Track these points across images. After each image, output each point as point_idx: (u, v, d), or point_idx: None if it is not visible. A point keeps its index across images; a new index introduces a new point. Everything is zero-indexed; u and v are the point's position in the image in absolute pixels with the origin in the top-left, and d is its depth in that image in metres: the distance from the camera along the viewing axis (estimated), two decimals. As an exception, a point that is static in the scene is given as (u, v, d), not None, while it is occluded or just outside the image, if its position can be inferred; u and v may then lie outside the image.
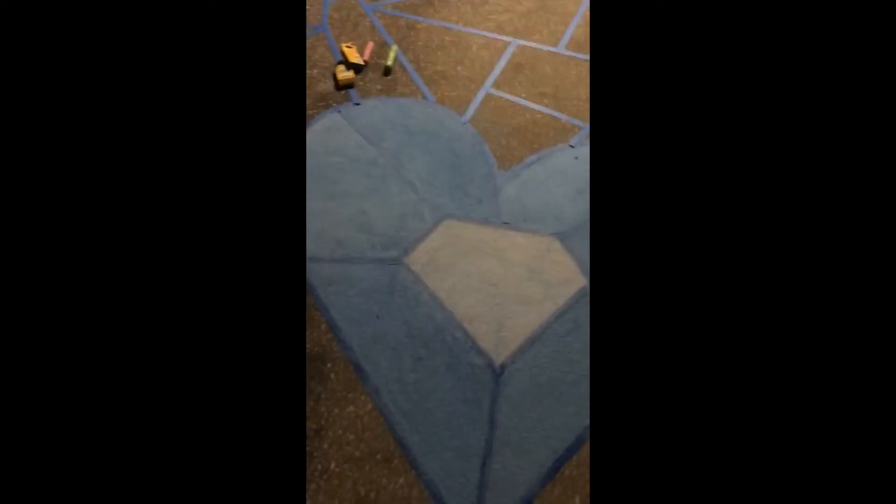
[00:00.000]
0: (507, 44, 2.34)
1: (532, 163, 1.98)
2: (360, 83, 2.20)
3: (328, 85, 2.19)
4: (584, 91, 2.20)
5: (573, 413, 1.45)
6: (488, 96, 2.17)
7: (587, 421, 1.44)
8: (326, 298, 1.66)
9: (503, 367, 1.54)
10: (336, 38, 2.34)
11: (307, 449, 1.41)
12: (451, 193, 1.90)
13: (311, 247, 1.77)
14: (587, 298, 1.66)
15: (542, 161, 1.99)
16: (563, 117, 2.11)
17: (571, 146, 2.03)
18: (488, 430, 1.43)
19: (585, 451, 1.40)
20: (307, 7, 2.44)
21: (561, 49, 2.33)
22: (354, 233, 1.80)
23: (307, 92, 2.16)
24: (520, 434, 1.43)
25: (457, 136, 2.05)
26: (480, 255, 1.75)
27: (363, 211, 1.85)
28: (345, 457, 1.40)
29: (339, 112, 2.11)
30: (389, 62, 2.23)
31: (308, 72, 2.23)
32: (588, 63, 2.28)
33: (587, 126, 2.09)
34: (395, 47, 2.28)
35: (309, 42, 2.33)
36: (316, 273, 1.72)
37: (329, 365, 1.54)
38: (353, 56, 2.22)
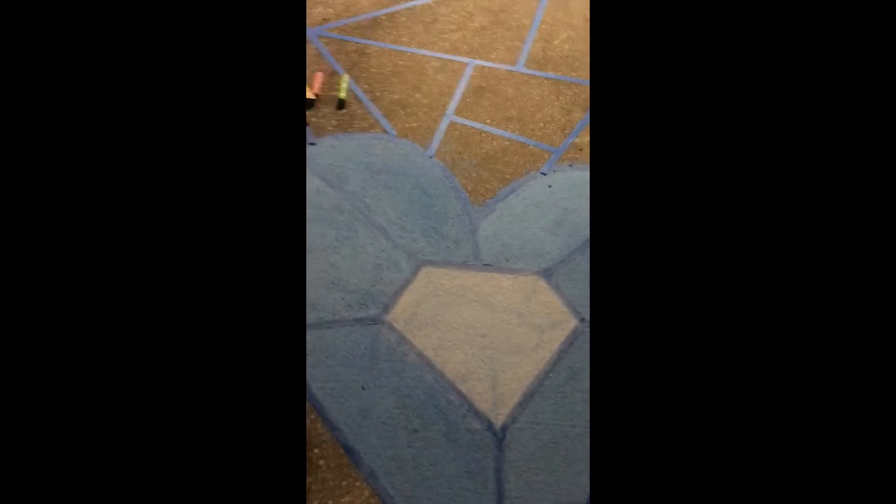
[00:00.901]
0: (464, 65, 2.23)
1: (506, 195, 1.90)
2: (313, 119, 2.04)
3: (278, 124, 2.01)
4: (549, 112, 2.13)
5: (582, 471, 1.39)
6: (452, 125, 2.06)
7: (596, 476, 1.38)
8: (304, 373, 1.52)
9: (504, 428, 1.45)
10: (280, 70, 2.16)
11: (303, 553, 1.28)
12: (425, 236, 1.78)
13: (281, 314, 1.61)
14: (580, 341, 1.60)
15: (517, 192, 1.90)
16: (532, 143, 2.03)
17: (543, 174, 1.96)
18: (496, 503, 1.35)
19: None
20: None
21: (520, 68, 2.24)
22: (326, 292, 1.66)
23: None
24: (530, 503, 1.35)
25: (424, 172, 1.93)
26: (465, 304, 1.66)
27: (333, 265, 1.71)
28: (346, 556, 1.28)
29: (294, 155, 1.94)
30: (342, 94, 2.07)
31: (253, 111, 2.04)
32: (550, 82, 2.21)
33: (557, 151, 2.03)
34: (346, 77, 2.12)
35: (250, 76, 2.13)
36: (289, 344, 1.56)
37: (316, 451, 1.41)
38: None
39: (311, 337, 1.58)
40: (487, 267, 1.74)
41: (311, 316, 1.61)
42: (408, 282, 1.69)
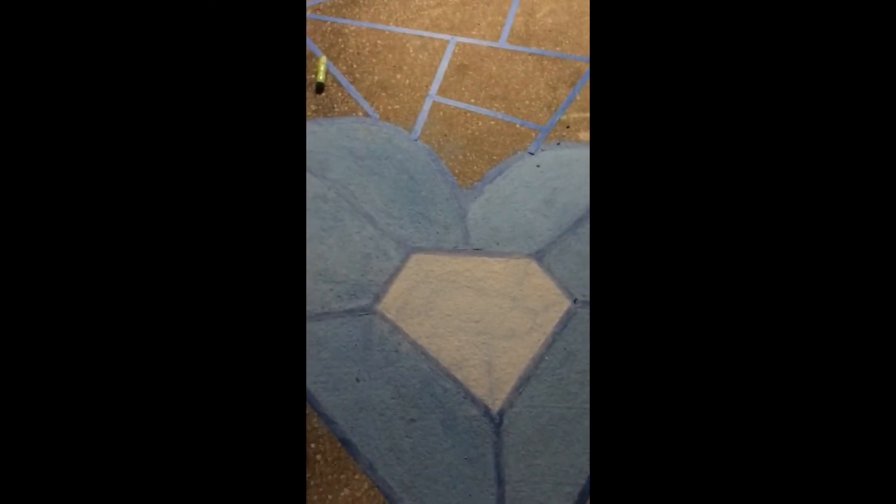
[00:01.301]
0: (445, 42, 2.16)
1: (494, 177, 1.86)
2: (292, 105, 1.96)
3: (254, 111, 1.93)
4: (535, 89, 2.08)
5: (581, 452, 1.40)
6: (435, 105, 2.00)
7: (595, 456, 1.39)
8: (296, 367, 1.49)
9: (501, 413, 1.45)
10: (254, 54, 2.07)
11: (305, 548, 1.27)
12: (413, 222, 1.75)
13: (269, 308, 1.57)
14: (574, 322, 1.59)
15: (504, 174, 1.87)
16: (518, 121, 1.99)
17: (531, 153, 1.92)
18: (497, 489, 1.35)
19: (597, 488, 1.36)
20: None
21: (503, 44, 2.18)
22: (314, 283, 1.62)
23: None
24: (530, 487, 1.36)
25: (409, 156, 1.88)
26: (457, 290, 1.63)
27: (320, 256, 1.67)
28: (349, 549, 1.27)
29: (274, 143, 1.87)
30: (321, 77, 1.99)
31: (228, 97, 1.95)
32: (535, 58, 2.15)
33: (543, 129, 1.98)
34: (324, 58, 2.04)
35: (223, 60, 2.04)
36: (279, 338, 1.53)
37: (313, 446, 1.39)
38: (279, 74, 1.97)
39: (302, 330, 1.55)
40: (478, 251, 1.71)
41: (300, 309, 1.58)
42: (398, 270, 1.66)
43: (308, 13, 2.20)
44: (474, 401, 1.46)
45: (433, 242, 1.71)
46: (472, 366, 1.51)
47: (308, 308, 1.58)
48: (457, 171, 1.87)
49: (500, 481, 1.36)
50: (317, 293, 1.60)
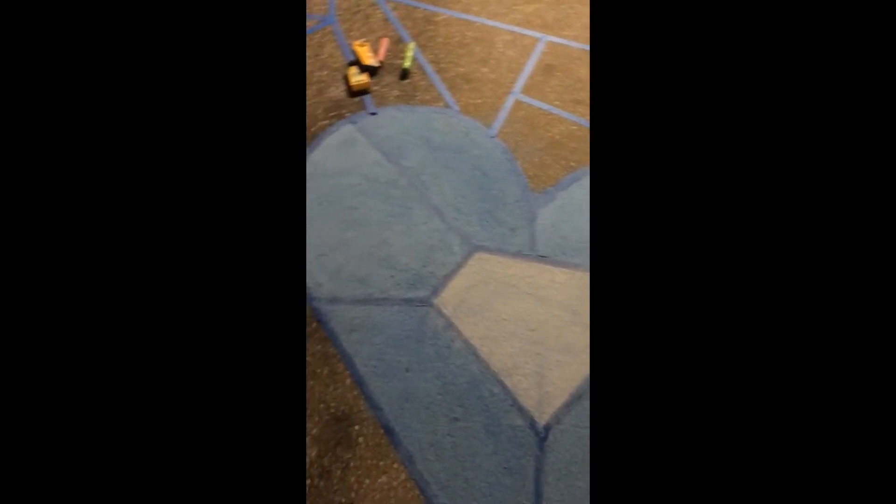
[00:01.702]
0: (535, 40, 2.11)
1: (569, 184, 1.80)
2: (376, 88, 1.98)
3: (340, 90, 1.96)
4: (624, 98, 1.98)
5: (625, 482, 1.34)
6: (518, 104, 1.96)
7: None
8: (350, 347, 1.51)
9: (547, 428, 1.41)
10: (346, 34, 2.09)
11: (337, 526, 1.29)
12: (481, 220, 1.72)
13: (330, 285, 1.60)
14: (635, 346, 1.52)
15: (580, 182, 1.80)
16: (602, 130, 1.91)
17: (611, 164, 1.84)
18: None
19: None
20: (311, -5, 2.17)
21: (596, 47, 2.10)
22: (377, 268, 1.63)
23: (318, 99, 1.94)
24: (569, 508, 1.32)
25: (484, 152, 1.85)
26: (517, 295, 1.60)
27: (385, 242, 1.68)
28: (379, 535, 1.28)
29: (355, 123, 1.89)
30: (407, 63, 2.00)
31: (317, 74, 1.99)
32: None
33: (628, 140, 1.90)
34: (412, 45, 2.04)
35: (315, 38, 2.08)
36: (337, 317, 1.55)
37: (357, 427, 1.41)
38: (367, 56, 1.99)
39: (359, 312, 1.56)
40: (543, 259, 1.66)
41: (360, 291, 1.60)
42: (459, 266, 1.64)
43: (402, -2, 2.20)
44: (521, 410, 1.43)
45: (498, 243, 1.69)
46: (523, 374, 1.48)
47: (367, 291, 1.60)
48: (531, 173, 1.83)
49: (538, 496, 1.32)
50: (378, 278, 1.62)
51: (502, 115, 1.94)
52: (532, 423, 1.42)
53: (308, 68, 2.01)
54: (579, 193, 1.79)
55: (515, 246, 1.68)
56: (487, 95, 1.98)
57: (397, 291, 1.60)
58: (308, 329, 1.53)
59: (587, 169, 1.83)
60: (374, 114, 1.92)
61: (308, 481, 1.34)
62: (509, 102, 1.97)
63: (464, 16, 2.16)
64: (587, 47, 2.10)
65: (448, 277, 1.62)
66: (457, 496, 1.33)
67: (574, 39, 2.12)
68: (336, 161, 1.82)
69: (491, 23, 2.15)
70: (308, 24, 2.12)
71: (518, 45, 2.10)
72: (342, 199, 1.75)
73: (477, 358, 1.50)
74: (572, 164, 1.85)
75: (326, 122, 1.90)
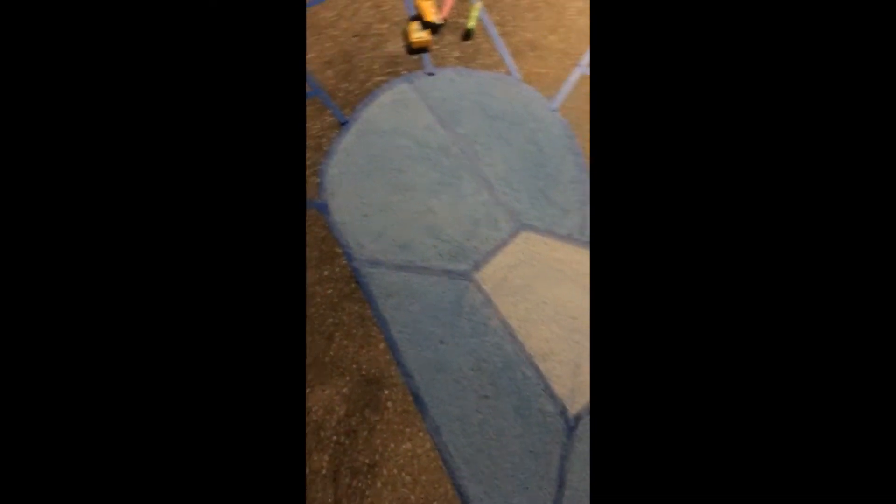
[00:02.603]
0: (610, 10, 1.96)
1: (628, 169, 1.71)
2: (436, 47, 1.89)
3: (398, 45, 1.88)
4: (699, 82, 1.85)
5: (652, 482, 1.31)
6: (583, 78, 1.85)
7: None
8: (386, 312, 1.50)
9: (577, 418, 1.39)
10: (410, -14, 2.00)
11: (359, 485, 1.31)
12: (531, 198, 1.66)
13: (371, 247, 1.58)
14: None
15: (641, 169, 1.71)
16: (670, 114, 1.79)
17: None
18: (556, 490, 1.31)
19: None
20: (378, -60, 2.06)
21: (675, 23, 1.94)
22: (420, 235, 1.60)
23: (375, 53, 1.87)
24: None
25: (543, 126, 1.77)
26: (560, 280, 1.55)
27: (430, 210, 1.64)
28: (399, 499, 1.30)
29: (411, 83, 1.82)
30: (471, 23, 1.90)
31: (376, 26, 1.92)
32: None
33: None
34: (478, 4, 1.93)
35: (378, -13, 1.99)
36: (376, 280, 1.54)
37: (386, 392, 1.41)
38: (430, 13, 1.89)
39: (398, 278, 1.55)
40: (592, 245, 1.60)
41: (401, 257, 1.57)
42: (504, 243, 1.60)
43: (473, -49, 2.07)
44: (553, 397, 1.41)
45: (547, 224, 1.63)
46: (558, 361, 1.45)
47: (408, 258, 1.57)
48: (590, 153, 1.74)
49: (561, 484, 1.32)
50: (420, 246, 1.59)
51: (566, 89, 1.83)
52: (563, 411, 1.39)
53: (368, 20, 1.93)
54: (638, 180, 1.69)
55: (565, 228, 1.62)
56: (553, 66, 1.87)
57: (438, 262, 1.57)
58: (347, 289, 1.53)
59: (650, 155, 1.73)
60: (431, 74, 1.84)
61: (334, 438, 1.36)
62: (575, 76, 1.86)
63: (536, -24, 2.03)
64: (666, 23, 1.95)
65: (491, 253, 1.58)
66: (479, 472, 1.33)
67: (652, 13, 1.97)
68: (388, 120, 1.76)
69: (564, -13, 2.01)
70: (372, -29, 2.03)
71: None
72: (392, 160, 1.70)
73: (513, 339, 1.47)
74: (634, 148, 1.75)
75: (383, 77, 1.83)
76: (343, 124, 1.75)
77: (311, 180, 1.66)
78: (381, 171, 1.69)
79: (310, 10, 1.92)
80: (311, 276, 1.54)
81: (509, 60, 1.88)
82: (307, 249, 1.57)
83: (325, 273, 1.55)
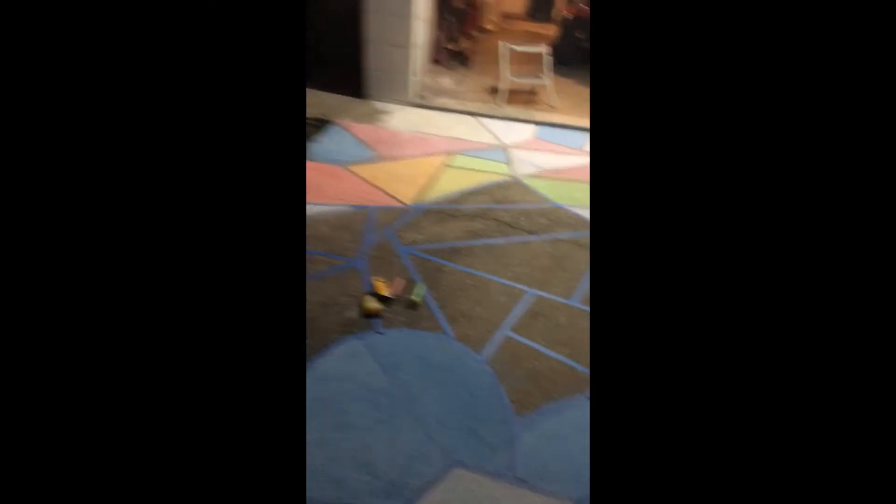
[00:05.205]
0: (524, 292, 2.53)
1: (550, 412, 1.91)
2: (387, 314, 2.31)
3: (355, 313, 2.30)
4: (600, 344, 2.25)
5: None
6: (507, 339, 2.24)
7: None
8: (308, 556, 1.40)
9: None
10: (370, 272, 2.57)
11: None
12: (463, 437, 1.78)
13: (307, 484, 1.58)
14: None
15: (561, 412, 1.91)
16: (580, 367, 2.12)
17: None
18: None
19: None
20: (350, 244, 2.76)
21: (574, 302, 2.49)
22: (355, 473, 1.63)
23: (335, 318, 2.26)
24: None
25: (473, 374, 2.04)
26: (492, 518, 1.53)
27: (367, 446, 1.72)
28: None
29: (362, 339, 2.16)
30: (416, 298, 2.38)
31: (339, 298, 2.37)
32: (601, 318, 2.40)
33: (604, 379, 2.07)
34: (422, 284, 2.47)
35: (343, 274, 2.55)
36: (302, 519, 1.49)
37: None
38: (383, 289, 2.39)
39: (326, 517, 1.50)
40: (522, 483, 1.65)
41: (335, 496, 1.57)
42: (437, 479, 1.63)
43: (419, 252, 2.76)
44: None
45: (478, 461, 1.70)
46: None
47: (340, 497, 1.56)
48: (514, 398, 1.96)
49: None
50: (356, 483, 1.60)
51: (492, 346, 2.19)
52: None
53: (331, 294, 2.40)
54: (559, 423, 1.87)
55: (495, 465, 1.69)
56: (480, 329, 2.28)
57: (370, 498, 1.56)
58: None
59: (568, 402, 1.97)
60: (380, 333, 2.20)
61: None
62: (499, 336, 2.25)
63: (467, 269, 2.66)
64: (567, 301, 2.49)
65: (423, 490, 1.60)
66: None
67: (557, 295, 2.54)
68: (338, 368, 2.01)
69: (488, 276, 2.62)
70: (339, 263, 2.63)
71: (509, 293, 2.52)
72: (336, 402, 1.87)
73: (443, 586, 1.36)
74: (553, 394, 2.00)
75: (337, 335, 2.17)
76: (297, 370, 1.98)
77: (257, 419, 1.78)
78: (325, 411, 1.83)
79: (286, 285, 2.40)
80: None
81: (445, 324, 2.29)
82: None
83: (251, 511, 1.50)
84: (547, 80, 4.96)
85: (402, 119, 4.49)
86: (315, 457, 1.67)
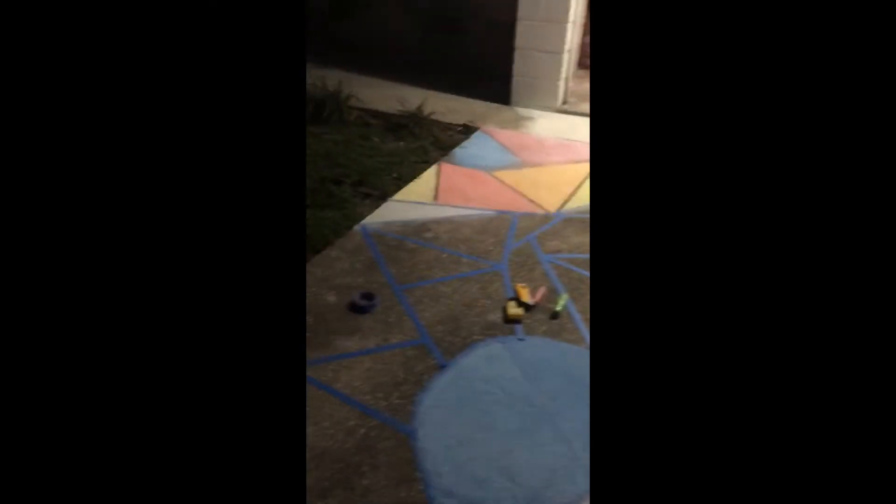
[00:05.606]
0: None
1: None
2: (527, 321, 2.31)
3: (497, 316, 2.33)
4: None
5: None
6: (657, 361, 2.09)
7: None
8: (452, 548, 1.45)
9: None
10: (511, 278, 2.59)
11: None
12: (608, 459, 1.70)
13: (450, 479, 1.64)
14: None
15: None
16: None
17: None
18: None
19: None
20: (492, 248, 2.81)
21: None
22: (496, 475, 1.65)
23: (477, 319, 2.32)
24: None
25: (620, 396, 1.93)
26: (641, 552, 1.44)
27: (509, 451, 1.73)
28: None
29: (503, 343, 2.18)
30: (558, 307, 2.34)
31: (482, 301, 2.43)
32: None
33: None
34: (566, 295, 2.42)
35: (486, 276, 2.60)
36: (447, 511, 1.55)
37: None
38: (525, 295, 2.39)
39: (469, 515, 1.54)
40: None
41: (476, 493, 1.60)
42: (580, 499, 1.58)
43: (562, 262, 2.71)
44: None
45: (625, 488, 1.61)
46: None
47: (481, 496, 1.59)
48: (667, 427, 1.82)
49: None
50: (496, 486, 1.62)
51: (641, 368, 2.06)
52: None
53: (475, 296, 2.46)
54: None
55: (644, 496, 1.59)
56: (628, 348, 2.16)
57: (512, 505, 1.57)
58: (418, 513, 1.54)
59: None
60: (522, 339, 2.20)
61: None
62: (649, 358, 2.10)
63: (613, 283, 2.54)
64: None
65: (567, 507, 1.56)
66: None
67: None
68: (480, 369, 2.06)
69: (637, 292, 2.47)
70: (481, 266, 2.69)
71: (661, 314, 2.34)
72: (479, 402, 1.91)
73: None
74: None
75: (480, 337, 2.22)
76: (442, 367, 2.06)
77: (406, 409, 1.89)
78: (469, 410, 1.88)
79: (431, 285, 2.52)
80: (387, 495, 1.60)
81: (589, 339, 2.21)
82: (390, 469, 1.68)
83: (402, 495, 1.60)
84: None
85: (546, 125, 4.45)
86: (458, 452, 1.72)
